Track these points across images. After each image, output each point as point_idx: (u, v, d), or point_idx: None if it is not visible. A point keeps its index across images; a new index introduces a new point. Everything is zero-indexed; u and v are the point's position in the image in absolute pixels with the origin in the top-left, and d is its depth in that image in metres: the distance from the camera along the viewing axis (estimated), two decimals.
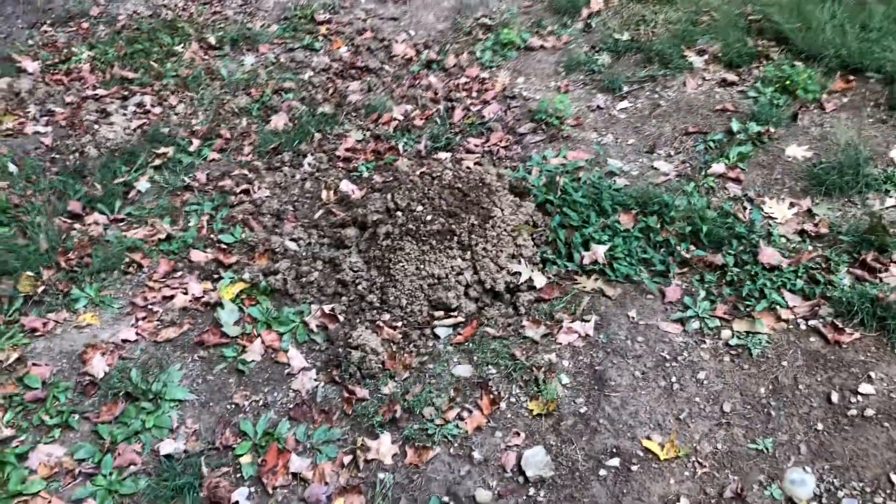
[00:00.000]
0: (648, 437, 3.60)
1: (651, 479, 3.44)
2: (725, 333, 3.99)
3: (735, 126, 5.20)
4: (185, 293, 4.53)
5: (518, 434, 3.70)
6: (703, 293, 4.19)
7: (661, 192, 4.74)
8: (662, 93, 5.81)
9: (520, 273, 4.31)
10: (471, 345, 4.13)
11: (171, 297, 4.54)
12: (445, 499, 3.47)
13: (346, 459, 3.65)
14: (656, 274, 4.36)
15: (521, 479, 3.52)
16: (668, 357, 3.94)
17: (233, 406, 3.96)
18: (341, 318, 4.28)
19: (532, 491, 3.47)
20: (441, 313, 4.25)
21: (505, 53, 6.54)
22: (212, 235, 4.91)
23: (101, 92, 6.46)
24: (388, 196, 4.58)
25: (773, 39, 6.00)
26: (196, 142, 5.77)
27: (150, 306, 4.49)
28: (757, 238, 4.35)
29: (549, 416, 3.77)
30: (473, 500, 3.47)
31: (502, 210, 4.49)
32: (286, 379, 4.09)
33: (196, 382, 4.09)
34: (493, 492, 3.50)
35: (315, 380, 4.06)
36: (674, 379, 3.84)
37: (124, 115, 6.05)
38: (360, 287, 4.34)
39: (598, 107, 5.81)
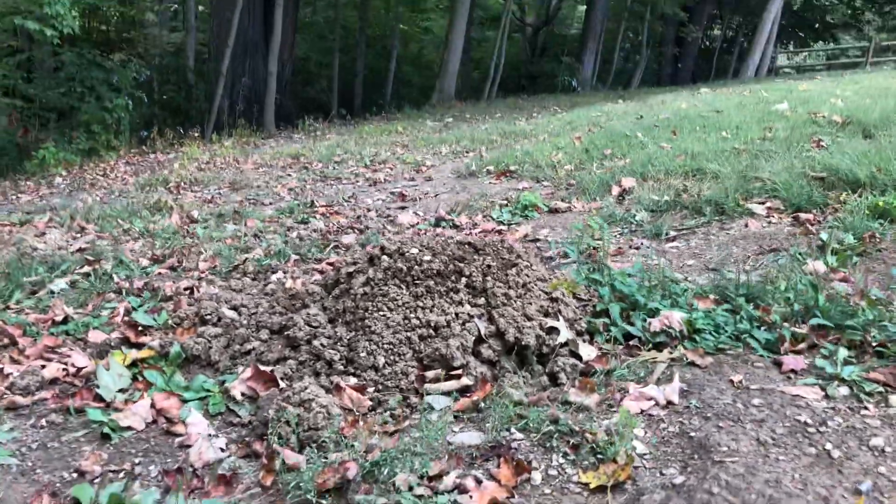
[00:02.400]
0: None
1: None
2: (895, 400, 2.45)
3: (825, 236, 4.02)
4: (63, 365, 3.05)
5: None
6: (840, 350, 2.71)
7: (751, 282, 3.43)
8: (719, 235, 4.70)
9: (557, 330, 2.87)
10: (483, 410, 2.57)
11: (43, 367, 3.05)
12: None
13: None
14: (762, 347, 2.90)
15: None
16: (809, 422, 2.36)
17: (73, 476, 2.32)
18: (283, 382, 2.76)
19: None
20: (437, 373, 2.74)
21: (526, 214, 5.58)
22: (125, 319, 3.52)
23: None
24: (375, 248, 3.30)
25: (844, 190, 5.04)
26: (145, 261, 4.60)
27: (6, 373, 2.99)
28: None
29: (618, 490, 2.11)
30: None
31: (530, 264, 3.18)
32: (176, 451, 2.49)
33: (28, 448, 2.48)
34: None
35: (223, 450, 2.45)
36: (829, 446, 2.23)
37: (66, 240, 4.96)
38: (316, 344, 2.88)
39: (641, 244, 4.68)
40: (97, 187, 8.69)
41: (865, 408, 2.43)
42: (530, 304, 2.94)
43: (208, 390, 2.81)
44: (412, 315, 2.87)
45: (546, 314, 2.95)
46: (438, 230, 5.22)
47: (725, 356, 2.86)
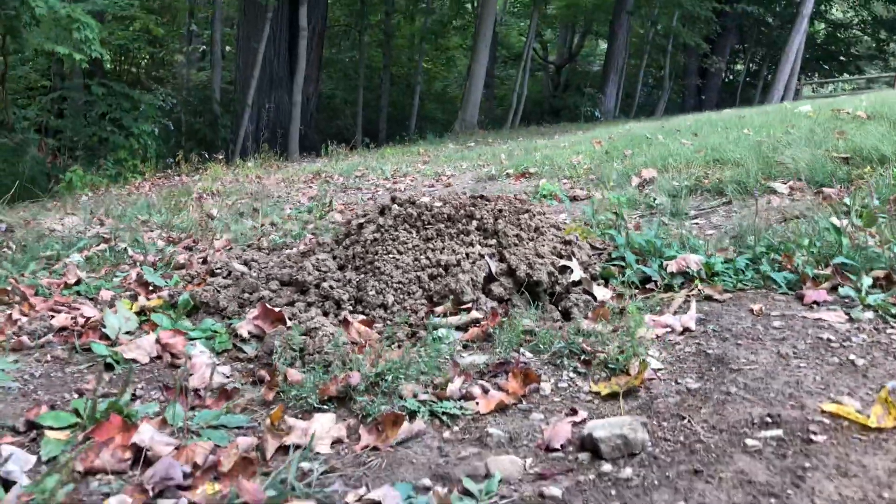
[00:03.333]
0: (836, 402, 1.83)
1: (860, 451, 1.63)
2: None
3: (849, 201, 3.91)
4: (72, 315, 3.03)
5: (575, 412, 1.95)
6: (864, 278, 2.61)
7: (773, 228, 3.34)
8: (741, 211, 4.60)
9: (570, 269, 2.80)
10: (492, 337, 2.50)
11: (52, 316, 3.03)
12: (426, 482, 1.66)
13: (247, 444, 1.89)
14: (784, 286, 2.81)
15: (582, 455, 1.72)
16: (833, 339, 2.27)
17: (74, 396, 2.28)
18: (291, 321, 2.72)
19: (608, 467, 1.66)
20: (447, 306, 2.68)
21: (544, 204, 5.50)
22: (137, 281, 3.50)
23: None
24: (386, 200, 3.27)
25: (868, 166, 4.93)
26: (161, 243, 4.60)
27: (14, 318, 2.98)
28: None
29: (630, 396, 2.03)
30: (486, 476, 1.65)
31: (543, 212, 3.12)
32: (179, 379, 2.43)
33: (31, 375, 2.45)
34: (525, 465, 1.68)
35: (227, 376, 2.40)
36: (853, 356, 2.13)
37: (85, 227, 4.98)
38: (325, 286, 2.84)
39: (662, 223, 4.59)
40: (123, 201, 8.78)
41: (892, 327, 2.33)
42: (543, 245, 2.87)
43: (215, 331, 2.77)
44: (422, 256, 2.81)
45: (559, 255, 2.88)
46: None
47: (745, 293, 2.77)
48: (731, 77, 30.71)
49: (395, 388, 2.09)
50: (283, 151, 14.57)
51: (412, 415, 1.97)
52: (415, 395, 2.05)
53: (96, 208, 7.39)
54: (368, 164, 10.41)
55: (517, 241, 2.86)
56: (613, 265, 3.01)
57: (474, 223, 2.93)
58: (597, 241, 3.16)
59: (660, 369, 2.19)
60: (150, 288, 3.36)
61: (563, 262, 2.79)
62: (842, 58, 30.72)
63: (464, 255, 2.79)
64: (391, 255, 2.83)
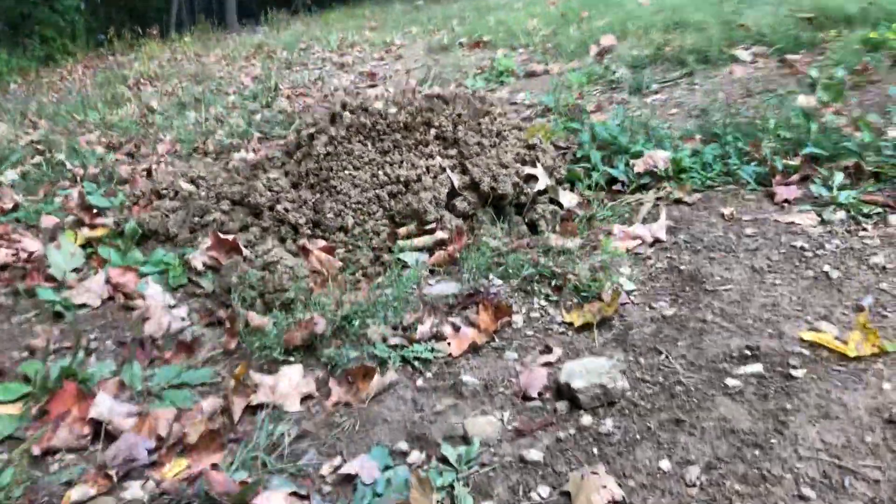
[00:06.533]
0: (814, 329, 1.80)
1: (840, 385, 1.60)
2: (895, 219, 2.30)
3: (814, 73, 3.79)
4: (12, 251, 2.85)
5: (549, 350, 1.89)
6: (836, 186, 2.54)
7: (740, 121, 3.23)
8: (703, 83, 4.45)
9: (535, 178, 2.68)
10: (460, 262, 2.41)
11: None
12: (403, 445, 1.60)
13: (211, 406, 1.80)
14: (753, 181, 2.73)
15: (560, 405, 1.67)
16: (806, 247, 2.22)
17: (24, 355, 2.16)
18: (247, 250, 2.58)
19: (588, 419, 1.61)
20: (410, 229, 2.56)
21: (502, 80, 5.29)
22: (79, 203, 3.30)
23: None
24: (336, 95, 3.07)
25: (834, 28, 4.76)
26: (100, 149, 4.33)
27: None
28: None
29: (605, 327, 1.97)
30: (464, 439, 1.60)
31: (504, 112, 2.96)
32: (136, 325, 2.32)
33: None
34: (504, 422, 1.64)
35: (183, 319, 2.29)
36: (827, 268, 2.09)
37: (17, 135, 4.67)
38: (279, 208, 2.68)
39: (622, 100, 4.43)
40: (55, 90, 8.30)
41: (864, 229, 2.28)
42: (506, 152, 2.74)
43: (168, 263, 2.63)
44: (380, 171, 2.66)
45: (523, 162, 2.75)
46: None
47: (714, 192, 2.69)
48: None
49: (363, 332, 2.01)
50: (221, 21, 13.80)
51: (383, 363, 1.90)
52: (384, 339, 1.98)
53: (27, 102, 6.97)
54: (312, 33, 9.91)
55: (479, 150, 2.72)
56: (579, 166, 2.90)
57: (433, 131, 2.76)
58: (560, 141, 3.03)
59: (632, 291, 2.13)
60: (94, 212, 3.18)
61: (527, 169, 2.67)
62: None
63: (424, 169, 2.65)
64: (347, 172, 2.68)
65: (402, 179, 2.63)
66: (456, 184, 2.63)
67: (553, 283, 2.18)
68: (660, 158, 2.78)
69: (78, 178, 3.75)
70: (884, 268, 2.05)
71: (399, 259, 2.46)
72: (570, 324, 2.01)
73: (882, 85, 3.48)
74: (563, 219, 2.62)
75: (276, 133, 4.43)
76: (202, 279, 2.54)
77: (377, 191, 2.63)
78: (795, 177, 2.70)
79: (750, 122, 3.14)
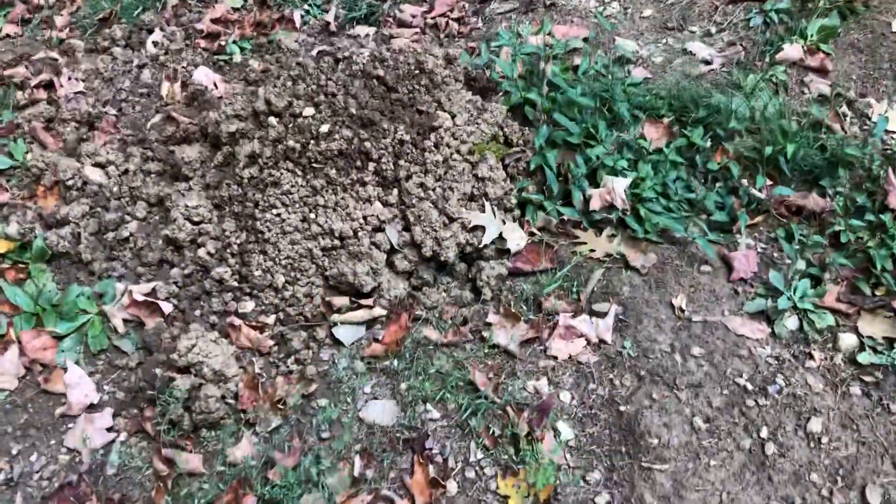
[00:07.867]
0: None
1: None
2: (847, 341, 2.26)
3: None
4: None
5: None
6: (798, 261, 2.42)
7: (707, 91, 2.89)
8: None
9: (483, 228, 2.46)
10: (396, 361, 2.32)
11: None
12: None
13: None
14: (713, 226, 2.56)
15: None
16: (749, 388, 2.19)
17: None
18: (167, 307, 2.40)
19: None
20: (345, 301, 2.41)
21: None
22: None
23: None
24: (259, 91, 2.63)
25: None
26: None
27: None
28: (879, 163, 2.57)
29: None
30: None
31: (453, 117, 2.60)
32: (58, 425, 2.25)
33: None
34: None
35: (111, 430, 2.22)
36: (765, 433, 2.09)
37: None
38: (202, 254, 2.45)
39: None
40: None
41: (811, 356, 2.24)
42: (452, 188, 2.47)
43: (83, 311, 2.45)
44: (312, 216, 2.41)
45: (471, 199, 2.51)
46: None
47: (671, 247, 2.53)
48: None
49: (294, 500, 2.01)
50: None
51: None
52: None
53: None
54: None
55: (422, 194, 2.44)
56: (532, 183, 2.66)
57: (371, 166, 2.45)
58: (514, 135, 2.70)
59: (569, 440, 2.13)
60: None
61: (474, 219, 2.44)
62: None
63: (361, 221, 2.40)
64: (275, 212, 2.41)
65: (336, 233, 2.40)
66: (395, 242, 2.42)
67: (491, 429, 2.15)
68: (618, 193, 2.55)
69: None
70: (819, 440, 2.07)
71: (334, 337, 2.36)
72: (506, 498, 2.04)
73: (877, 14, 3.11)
74: (509, 278, 2.48)
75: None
76: (124, 342, 2.41)
77: (309, 244, 2.41)
78: (759, 218, 2.56)
79: (719, 110, 2.83)
